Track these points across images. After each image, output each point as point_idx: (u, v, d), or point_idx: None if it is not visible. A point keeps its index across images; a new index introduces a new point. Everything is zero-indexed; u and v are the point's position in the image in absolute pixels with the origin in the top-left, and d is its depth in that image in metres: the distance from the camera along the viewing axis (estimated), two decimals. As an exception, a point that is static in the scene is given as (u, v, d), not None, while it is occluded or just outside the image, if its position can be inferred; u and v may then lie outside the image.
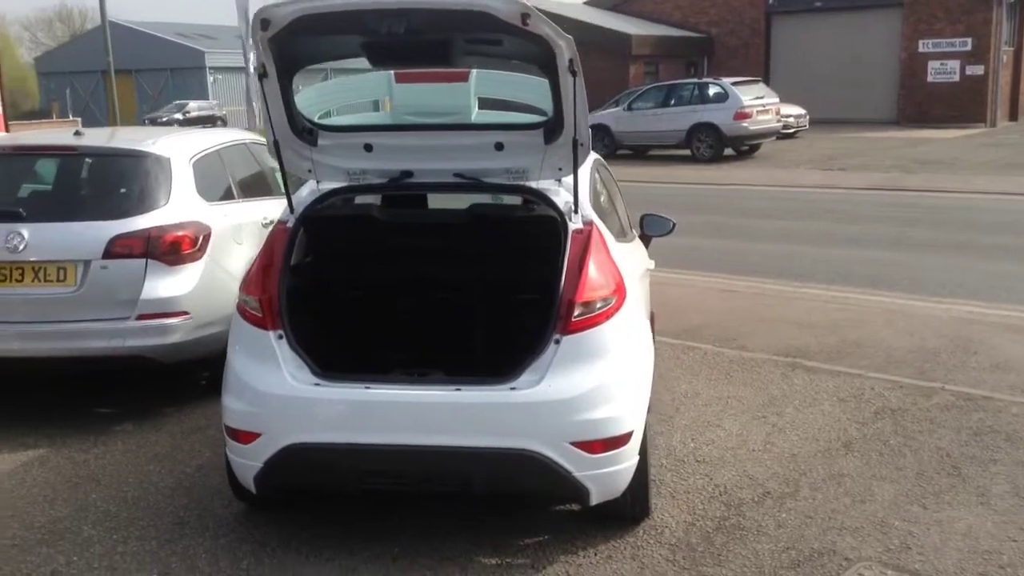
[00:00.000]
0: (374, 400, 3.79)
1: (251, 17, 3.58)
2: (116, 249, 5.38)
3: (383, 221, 4.35)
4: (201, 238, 5.65)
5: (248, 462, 3.94)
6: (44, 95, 68.85)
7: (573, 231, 4.01)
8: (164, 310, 5.45)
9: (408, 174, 4.24)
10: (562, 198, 4.08)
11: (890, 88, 33.40)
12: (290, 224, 4.17)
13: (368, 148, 4.16)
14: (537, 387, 3.75)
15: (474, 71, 4.14)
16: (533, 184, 4.15)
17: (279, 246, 4.11)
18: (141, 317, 5.39)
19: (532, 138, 4.04)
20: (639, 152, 25.00)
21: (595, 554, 4.03)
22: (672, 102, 23.98)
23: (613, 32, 33.72)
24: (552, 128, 3.97)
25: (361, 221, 4.32)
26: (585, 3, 40.98)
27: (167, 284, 5.47)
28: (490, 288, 4.38)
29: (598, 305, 3.87)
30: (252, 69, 3.78)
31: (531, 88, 4.05)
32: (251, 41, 3.65)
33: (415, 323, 4.54)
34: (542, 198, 4.10)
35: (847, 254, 11.10)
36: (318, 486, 4.18)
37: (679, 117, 23.41)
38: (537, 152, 4.07)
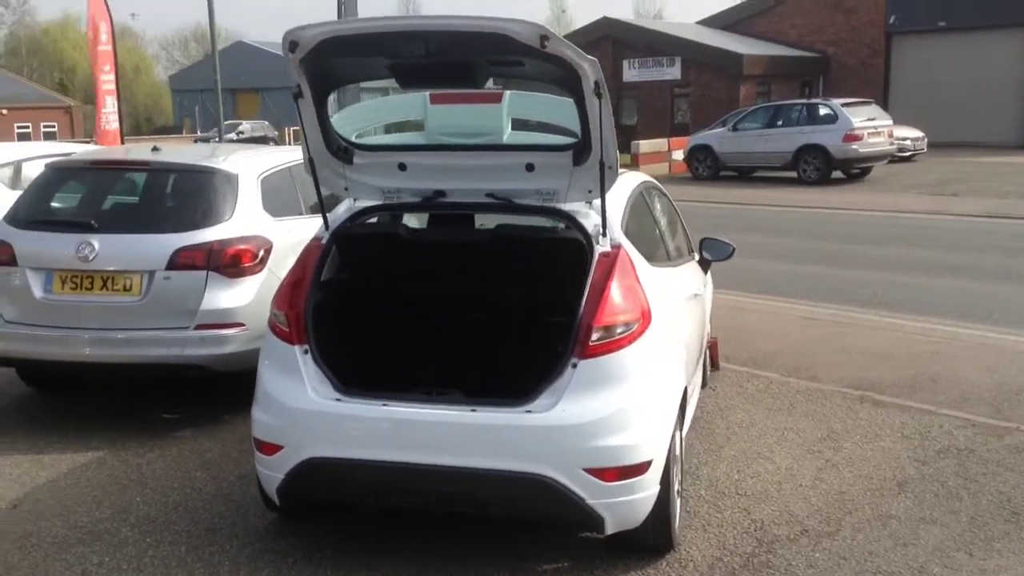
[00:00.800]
0: (391, 418, 3.82)
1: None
2: (179, 261, 5.58)
3: (412, 240, 4.39)
4: (262, 252, 5.81)
5: (272, 473, 4.02)
6: (178, 111, 72.27)
7: (600, 254, 3.97)
8: (222, 321, 5.62)
9: (441, 193, 4.27)
10: (591, 220, 4.04)
11: (1015, 111, 31.99)
12: (323, 241, 4.25)
13: (402, 167, 4.21)
14: (551, 411, 3.72)
15: (507, 92, 4.15)
16: (564, 206, 4.12)
17: (311, 262, 4.20)
18: (199, 327, 5.57)
19: (562, 160, 4.02)
20: (744, 174, 24.55)
21: (613, 584, 3.96)
22: (779, 123, 23.46)
23: (724, 52, 33.32)
24: (580, 150, 3.94)
25: (390, 240, 4.37)
26: (698, 22, 40.64)
27: (226, 296, 5.64)
28: (515, 309, 4.37)
29: (619, 330, 3.81)
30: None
31: (562, 110, 4.03)
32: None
33: (440, 341, 4.56)
34: (570, 220, 4.07)
35: (942, 284, 10.63)
36: (338, 501, 4.23)
37: (785, 138, 22.88)
38: (567, 174, 4.05)
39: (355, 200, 4.37)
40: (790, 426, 5.93)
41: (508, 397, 3.81)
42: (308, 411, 3.90)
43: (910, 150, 26.99)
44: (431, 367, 4.44)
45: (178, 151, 7.16)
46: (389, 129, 4.45)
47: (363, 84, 4.27)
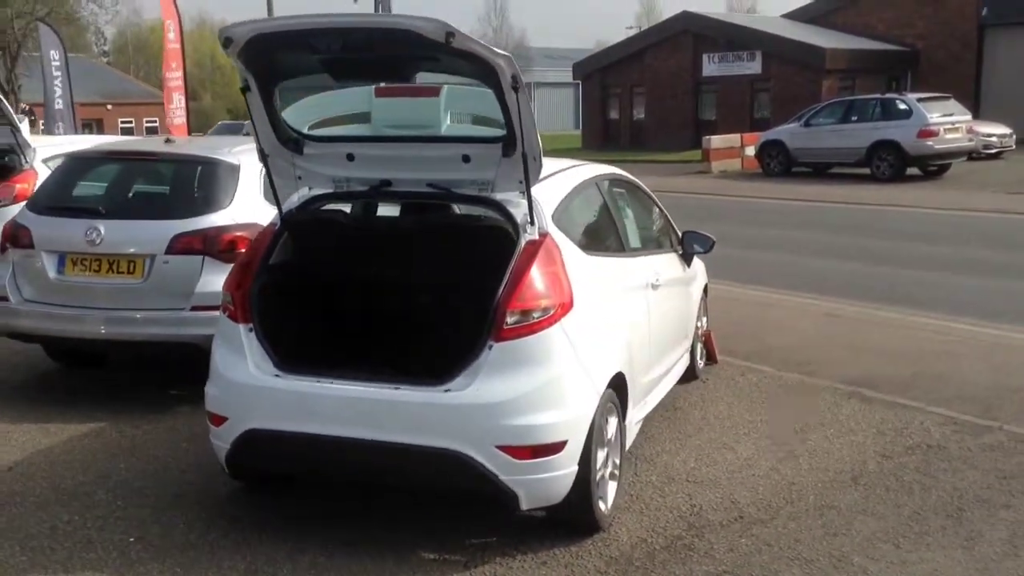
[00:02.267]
0: (322, 393, 4.06)
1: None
2: (178, 246, 5.93)
3: (351, 227, 4.62)
4: (258, 239, 6.11)
5: (220, 444, 4.31)
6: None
7: (526, 242, 4.13)
8: (216, 303, 5.91)
9: (387, 183, 4.48)
10: (521, 210, 4.20)
11: (1114, 107, 30.47)
12: (275, 226, 4.51)
13: (351, 157, 4.44)
14: (466, 390, 3.90)
15: (445, 87, 4.34)
16: (497, 195, 4.29)
17: (261, 246, 4.47)
18: (195, 308, 5.90)
19: (493, 151, 4.18)
20: (818, 170, 24.10)
21: (532, 559, 4.11)
22: (852, 118, 22.97)
23: (806, 45, 32.66)
24: (508, 143, 4.10)
25: (333, 226, 4.60)
26: (783, 16, 39.91)
27: (221, 279, 5.91)
28: (446, 293, 4.55)
29: (536, 314, 3.97)
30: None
31: (494, 104, 4.19)
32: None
33: (376, 323, 4.78)
34: (500, 209, 4.23)
35: (984, 283, 10.40)
36: (279, 471, 4.49)
37: (859, 134, 22.39)
38: (498, 165, 4.21)
39: (310, 189, 4.61)
40: (766, 419, 5.97)
41: (432, 377, 4.00)
42: (249, 385, 4.18)
43: (996, 147, 26.02)
44: (368, 347, 4.66)
45: (188, 143, 7.56)
46: (340, 121, 4.68)
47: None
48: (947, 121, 21.67)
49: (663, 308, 5.42)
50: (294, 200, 4.60)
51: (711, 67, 35.74)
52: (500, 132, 4.12)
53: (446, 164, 4.30)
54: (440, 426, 3.91)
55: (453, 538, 4.28)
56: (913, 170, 22.30)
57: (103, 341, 6.17)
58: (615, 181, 5.56)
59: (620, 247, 5.06)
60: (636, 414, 5.01)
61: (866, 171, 22.40)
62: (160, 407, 6.13)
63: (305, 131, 4.48)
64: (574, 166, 5.11)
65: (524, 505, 3.99)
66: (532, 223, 4.17)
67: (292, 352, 4.27)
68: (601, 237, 5.03)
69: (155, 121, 58.05)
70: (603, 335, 4.38)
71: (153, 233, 5.98)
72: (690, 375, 6.64)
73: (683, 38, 36.31)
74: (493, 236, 4.22)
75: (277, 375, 4.16)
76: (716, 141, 27.06)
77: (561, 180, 4.71)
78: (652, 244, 5.92)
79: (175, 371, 6.81)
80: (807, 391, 6.54)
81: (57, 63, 19.49)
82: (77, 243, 6.03)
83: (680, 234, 6.21)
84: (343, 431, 4.01)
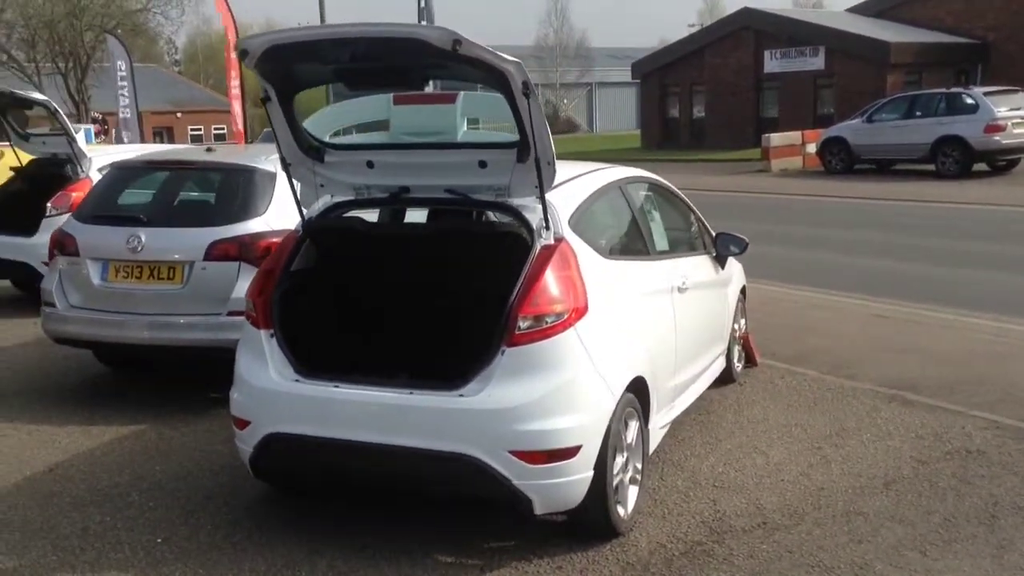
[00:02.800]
0: (339, 399, 4.11)
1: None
2: (215, 252, 6.06)
3: (369, 234, 4.67)
4: (294, 245, 6.21)
5: (244, 447, 4.39)
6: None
7: (541, 247, 4.13)
8: (251, 308, 6.05)
9: (406, 189, 4.52)
10: (537, 215, 4.20)
11: None
12: (298, 233, 4.59)
13: (370, 165, 4.49)
14: (479, 395, 3.92)
15: (461, 93, 4.36)
16: (514, 201, 4.29)
17: (283, 253, 4.54)
18: (231, 313, 6.01)
19: (508, 157, 4.19)
20: (881, 167, 23.60)
21: (548, 563, 4.11)
22: (916, 113, 22.44)
23: (870, 40, 31.99)
24: (522, 148, 4.10)
25: (351, 233, 4.65)
26: (848, 10, 39.17)
27: (256, 285, 6.07)
28: (463, 298, 4.57)
29: (549, 319, 3.97)
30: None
31: (507, 109, 4.19)
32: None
33: (394, 328, 4.81)
34: (516, 215, 4.24)
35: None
36: (299, 474, 4.56)
37: (923, 130, 21.87)
38: (514, 171, 4.21)
39: (332, 197, 4.68)
40: (801, 422, 5.87)
41: (446, 382, 4.03)
42: (270, 390, 4.25)
43: (1069, 141, 25.17)
44: (385, 352, 4.70)
45: (229, 151, 7.70)
46: (360, 129, 4.74)
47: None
48: (1016, 115, 21.04)
49: (692, 311, 5.37)
50: (316, 207, 4.67)
51: (773, 63, 35.23)
52: (514, 138, 4.12)
53: (463, 170, 4.33)
54: (453, 431, 3.93)
55: (470, 542, 4.30)
56: (980, 166, 21.72)
57: (146, 346, 6.33)
58: (642, 184, 5.53)
59: (644, 250, 5.03)
60: (661, 419, 4.97)
61: (931, 167, 21.88)
62: (199, 410, 6.26)
63: (326, 140, 4.55)
64: (595, 170, 5.09)
65: (539, 510, 4.00)
66: (548, 228, 4.17)
67: (312, 357, 4.34)
68: (623, 241, 5.00)
69: (223, 128, 59.32)
70: (621, 339, 4.36)
71: (191, 240, 6.13)
72: (727, 378, 6.58)
73: (744, 34, 35.87)
74: (509, 241, 4.23)
75: (297, 380, 4.22)
76: (776, 139, 26.66)
77: (580, 185, 4.70)
78: (681, 246, 5.87)
79: (217, 374, 6.96)
80: (847, 394, 6.41)
81: (123, 73, 20.05)
82: (119, 251, 6.21)
83: (714, 236, 6.15)
84: (359, 435, 4.06)
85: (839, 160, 23.93)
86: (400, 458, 4.02)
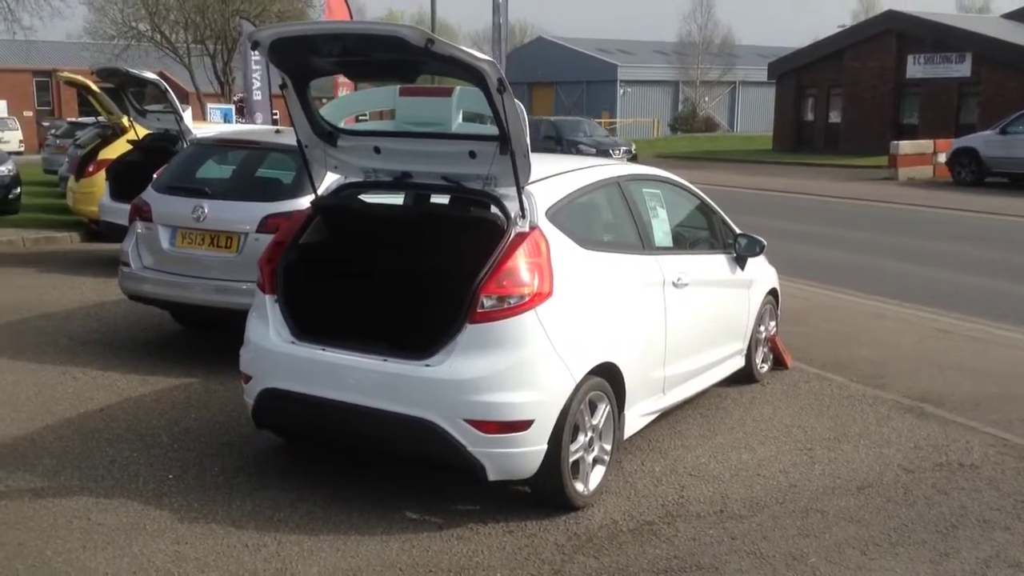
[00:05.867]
0: (324, 360, 4.54)
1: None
2: (267, 225, 6.60)
3: (369, 214, 5.06)
4: (340, 221, 6.70)
5: (248, 399, 4.89)
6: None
7: (516, 233, 4.44)
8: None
9: (408, 175, 4.91)
10: (516, 204, 4.50)
11: None
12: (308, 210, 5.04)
13: (377, 151, 4.88)
14: (442, 365, 4.27)
15: (458, 88, 4.70)
16: (499, 190, 4.61)
17: (294, 227, 5.00)
18: (278, 281, 6.54)
19: (492, 148, 4.51)
20: (1015, 180, 22.57)
21: (502, 527, 4.42)
22: (1055, 127, 21.37)
23: (1019, 48, 30.46)
24: (503, 141, 4.41)
25: (353, 212, 5.06)
26: (1004, 16, 37.36)
27: (302, 258, 6.59)
28: (444, 277, 4.89)
29: (512, 300, 4.28)
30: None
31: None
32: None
33: (381, 300, 5.18)
34: (497, 203, 4.56)
35: None
36: (291, 428, 5.01)
37: (1061, 143, 20.83)
38: (498, 161, 4.52)
39: (345, 178, 5.11)
40: (804, 425, 5.97)
41: (418, 352, 4.39)
42: (269, 350, 4.72)
43: None
44: (371, 322, 5.07)
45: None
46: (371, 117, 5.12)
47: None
48: None
49: (692, 307, 5.55)
50: (330, 187, 5.10)
51: (916, 68, 33.99)
52: (496, 131, 4.43)
53: (456, 159, 4.67)
54: (417, 397, 4.30)
55: (439, 503, 4.65)
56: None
57: (206, 307, 6.94)
58: (649, 182, 5.72)
59: (637, 245, 5.23)
60: (645, 407, 5.20)
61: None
62: (248, 369, 6.82)
63: (339, 125, 4.97)
64: (593, 166, 5.34)
65: (491, 476, 4.31)
66: (524, 216, 4.47)
67: (308, 322, 4.78)
68: (610, 234, 5.24)
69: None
70: (590, 326, 4.61)
71: (247, 213, 6.69)
72: (748, 378, 6.70)
73: (886, 37, 34.72)
74: (489, 227, 4.54)
75: (293, 342, 4.68)
76: (905, 146, 25.81)
77: (568, 179, 4.97)
78: (688, 244, 6.04)
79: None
80: (866, 402, 6.44)
81: (256, 57, 21.15)
82: (186, 219, 6.84)
83: (735, 236, 6.29)
84: (339, 395, 4.47)
85: (969, 172, 23.04)
86: (372, 419, 4.41)
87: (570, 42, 66.36)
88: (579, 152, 26.50)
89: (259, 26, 23.60)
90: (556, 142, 29.01)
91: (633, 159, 26.93)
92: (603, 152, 26.99)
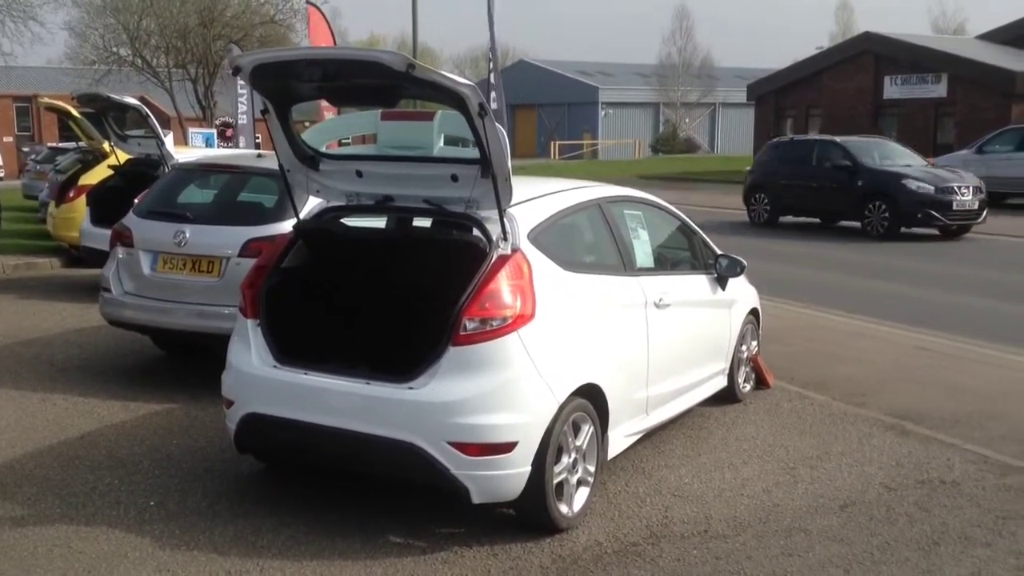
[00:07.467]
0: (307, 385, 4.53)
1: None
2: (249, 249, 6.59)
3: (351, 237, 5.07)
4: (323, 246, 6.71)
5: (230, 424, 4.87)
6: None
7: (497, 256, 4.46)
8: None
9: (390, 198, 4.92)
10: (498, 227, 4.53)
11: None
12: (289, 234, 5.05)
13: (359, 174, 4.90)
14: (425, 388, 4.28)
15: (439, 111, 4.73)
16: (481, 213, 4.63)
17: (276, 250, 5.00)
18: (260, 307, 6.53)
19: (474, 172, 4.54)
20: (992, 200, 22.75)
21: (487, 550, 4.41)
22: (1031, 146, 21.59)
23: (994, 68, 30.86)
24: (484, 164, 4.44)
25: (334, 236, 5.06)
26: (978, 37, 37.87)
27: (285, 282, 6.58)
28: (426, 300, 4.90)
29: (494, 322, 4.29)
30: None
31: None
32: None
33: (364, 324, 5.18)
34: (479, 226, 4.58)
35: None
36: (274, 452, 4.99)
37: (1035, 163, 21.04)
38: (479, 185, 4.55)
39: (328, 202, 5.12)
40: (787, 444, 5.99)
41: (401, 375, 4.40)
42: (251, 374, 4.71)
43: None
44: (354, 345, 5.08)
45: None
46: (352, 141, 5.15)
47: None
48: None
49: (675, 327, 5.57)
50: (312, 211, 5.11)
51: (893, 89, 34.36)
52: (477, 154, 4.46)
53: (438, 183, 4.69)
54: (400, 419, 4.30)
55: (424, 525, 4.64)
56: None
57: (188, 332, 6.92)
58: (630, 204, 5.76)
59: (619, 266, 5.26)
60: (629, 427, 5.21)
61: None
62: (231, 394, 6.79)
63: (321, 149, 4.98)
64: (575, 188, 5.38)
65: (475, 499, 4.31)
66: (506, 239, 4.49)
67: (290, 346, 4.77)
68: (592, 256, 5.27)
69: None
70: (573, 347, 4.63)
71: (229, 237, 6.69)
72: (730, 397, 6.72)
73: (864, 59, 35.10)
74: (471, 250, 4.56)
75: (275, 366, 4.67)
76: (884, 167, 25.91)
77: (549, 201, 5.00)
78: (669, 265, 6.08)
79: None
80: (847, 421, 6.47)
81: (242, 82, 21.21)
82: (167, 244, 6.83)
83: (715, 257, 6.33)
84: (321, 419, 4.47)
85: (947, 191, 23.15)
86: (355, 442, 4.40)
87: (551, 64, 66.81)
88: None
89: (239, 46, 23.73)
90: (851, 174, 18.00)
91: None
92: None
